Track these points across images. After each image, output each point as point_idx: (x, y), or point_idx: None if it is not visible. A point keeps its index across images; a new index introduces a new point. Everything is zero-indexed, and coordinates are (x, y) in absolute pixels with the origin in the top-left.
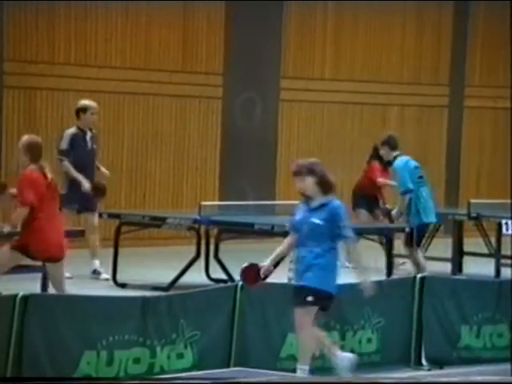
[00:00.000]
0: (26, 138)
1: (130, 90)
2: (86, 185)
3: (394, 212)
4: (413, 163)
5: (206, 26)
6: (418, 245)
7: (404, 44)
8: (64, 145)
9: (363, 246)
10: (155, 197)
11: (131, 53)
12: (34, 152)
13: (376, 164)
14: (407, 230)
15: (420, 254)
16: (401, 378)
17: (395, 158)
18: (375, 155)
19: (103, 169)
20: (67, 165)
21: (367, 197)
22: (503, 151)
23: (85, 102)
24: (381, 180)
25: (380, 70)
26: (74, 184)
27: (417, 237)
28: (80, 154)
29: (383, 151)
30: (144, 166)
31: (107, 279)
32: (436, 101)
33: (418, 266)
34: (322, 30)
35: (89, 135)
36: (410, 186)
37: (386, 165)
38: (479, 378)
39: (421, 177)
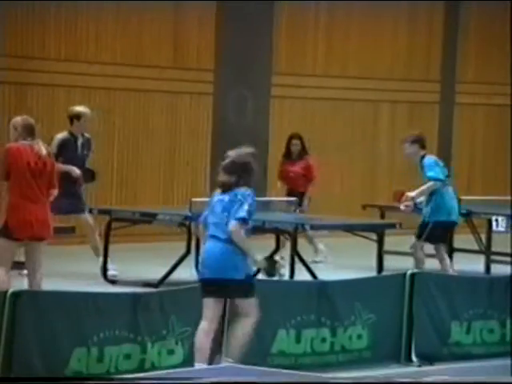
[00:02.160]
0: (19, 117)
1: (120, 85)
2: (75, 171)
3: (413, 194)
4: (441, 162)
5: (198, 21)
6: (429, 241)
7: (395, 40)
8: (53, 149)
9: (354, 242)
10: (146, 193)
11: (122, 49)
12: (27, 129)
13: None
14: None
15: (421, 250)
16: (399, 374)
17: (423, 156)
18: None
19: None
20: None
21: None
22: (495, 148)
23: (79, 108)
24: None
25: (371, 67)
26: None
27: (429, 233)
28: (69, 158)
29: (412, 149)
30: (135, 162)
31: (115, 275)
32: (427, 97)
33: (416, 260)
34: (314, 26)
35: (80, 141)
36: (442, 177)
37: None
38: (478, 378)
39: (447, 176)
